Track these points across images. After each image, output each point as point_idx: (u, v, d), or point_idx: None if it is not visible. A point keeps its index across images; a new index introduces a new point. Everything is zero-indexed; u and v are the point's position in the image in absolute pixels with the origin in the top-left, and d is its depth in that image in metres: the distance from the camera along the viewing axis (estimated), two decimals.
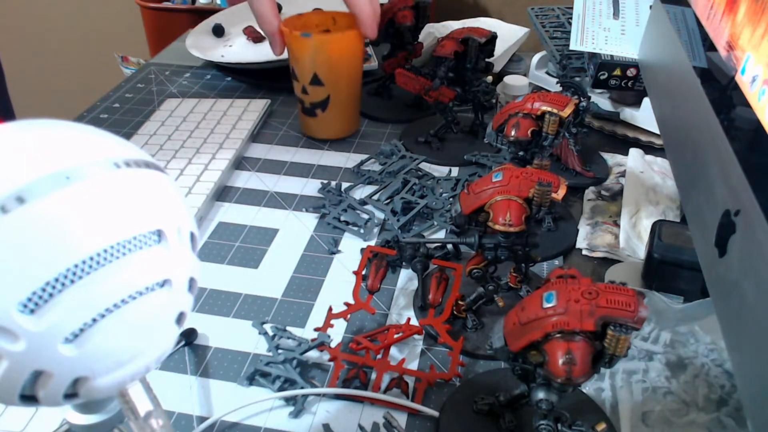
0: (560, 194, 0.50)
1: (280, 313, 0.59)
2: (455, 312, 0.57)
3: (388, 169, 0.78)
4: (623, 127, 0.87)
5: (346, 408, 0.51)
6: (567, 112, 0.58)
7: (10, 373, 0.24)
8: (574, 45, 0.84)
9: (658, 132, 0.82)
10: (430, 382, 0.52)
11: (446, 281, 0.57)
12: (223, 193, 0.76)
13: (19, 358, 0.24)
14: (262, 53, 1.04)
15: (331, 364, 0.54)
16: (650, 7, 0.70)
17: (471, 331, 0.57)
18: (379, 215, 0.72)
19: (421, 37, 0.93)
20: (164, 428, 0.31)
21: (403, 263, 0.61)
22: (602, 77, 0.83)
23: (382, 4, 0.91)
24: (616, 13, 0.88)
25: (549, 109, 0.58)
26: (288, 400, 0.51)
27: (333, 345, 0.55)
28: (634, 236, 0.67)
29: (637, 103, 0.86)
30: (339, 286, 0.63)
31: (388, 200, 0.74)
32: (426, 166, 0.80)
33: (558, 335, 0.38)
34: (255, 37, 1.09)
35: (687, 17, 0.57)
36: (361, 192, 0.76)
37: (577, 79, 0.85)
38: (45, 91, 2.32)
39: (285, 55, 0.84)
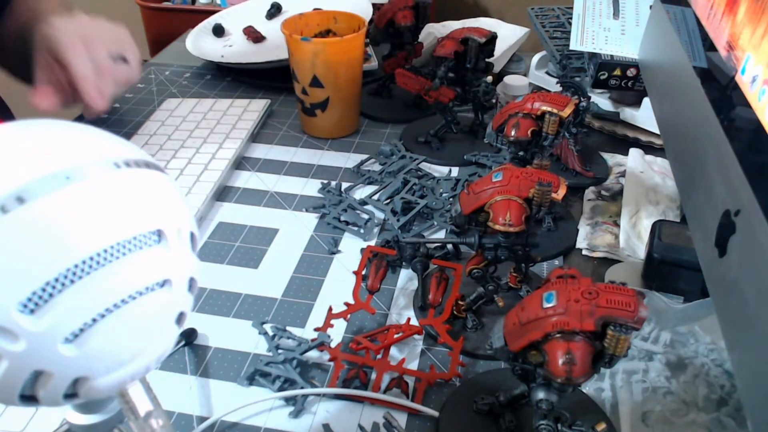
0: (560, 194, 0.50)
1: (280, 313, 0.59)
2: (455, 312, 0.57)
3: (388, 169, 0.78)
4: (623, 127, 0.86)
5: (346, 408, 0.51)
6: (567, 112, 0.58)
7: (10, 373, 0.24)
8: (574, 45, 0.84)
9: (658, 132, 0.82)
10: (430, 382, 0.52)
11: (446, 281, 0.57)
12: (223, 193, 0.76)
13: (19, 358, 0.24)
14: (262, 53, 1.04)
15: (331, 364, 0.54)
16: (650, 7, 0.70)
17: (471, 331, 0.57)
18: (379, 215, 0.72)
19: (421, 37, 0.93)
20: (164, 428, 0.31)
21: (403, 263, 0.61)
22: (602, 77, 0.83)
23: (382, 5, 0.91)
24: (616, 13, 0.88)
25: (549, 109, 0.58)
26: (288, 400, 0.51)
27: (333, 345, 0.55)
28: (634, 236, 0.67)
29: (637, 103, 0.86)
30: (339, 286, 0.63)
31: (388, 200, 0.74)
32: (426, 166, 0.80)
33: (558, 335, 0.38)
34: (255, 37, 1.09)
35: (687, 17, 0.57)
36: (361, 192, 0.76)
37: (577, 79, 0.85)
38: None
39: (285, 54, 0.84)
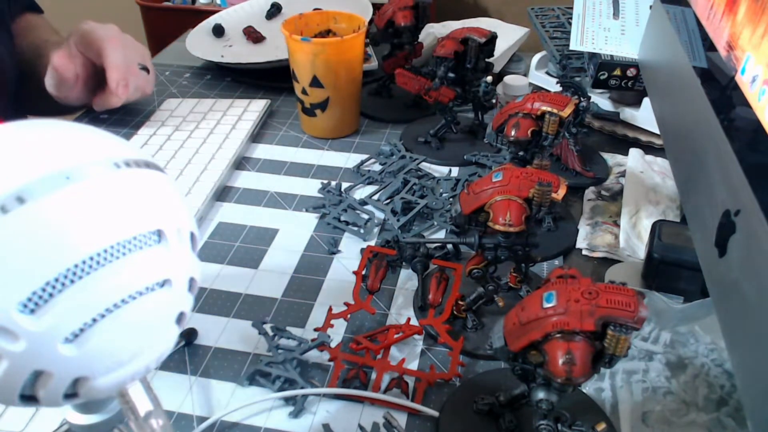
0: (560, 194, 0.50)
1: (280, 313, 0.59)
2: (455, 312, 0.57)
3: (388, 169, 0.78)
4: (623, 127, 0.86)
5: (346, 408, 0.51)
6: (567, 112, 0.58)
7: (10, 373, 0.24)
8: (574, 45, 0.84)
9: (658, 132, 0.82)
10: (430, 382, 0.52)
11: (446, 281, 0.57)
12: (223, 193, 0.76)
13: (19, 358, 0.24)
14: (262, 53, 1.04)
15: (331, 364, 0.54)
16: (650, 7, 0.70)
17: (471, 331, 0.57)
18: (379, 215, 0.72)
19: (421, 37, 0.93)
20: (164, 428, 0.31)
21: (403, 263, 0.61)
22: (602, 77, 0.83)
23: (382, 5, 0.91)
24: (616, 13, 0.88)
25: (549, 109, 0.58)
26: (288, 400, 0.51)
27: (333, 345, 0.55)
28: (634, 236, 0.67)
29: (637, 103, 0.86)
30: (339, 286, 0.62)
31: (388, 200, 0.74)
32: (426, 166, 0.80)
33: (558, 335, 0.38)
34: (255, 38, 1.09)
35: (687, 17, 0.57)
36: (361, 192, 0.76)
37: (577, 79, 0.85)
38: None
39: (285, 54, 0.84)
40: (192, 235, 0.29)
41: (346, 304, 0.57)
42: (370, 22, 0.93)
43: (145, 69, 0.83)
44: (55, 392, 0.26)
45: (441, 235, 0.69)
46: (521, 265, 0.56)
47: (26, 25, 0.93)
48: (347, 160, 0.83)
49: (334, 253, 0.66)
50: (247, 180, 0.79)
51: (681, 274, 0.57)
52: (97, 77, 0.81)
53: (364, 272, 0.58)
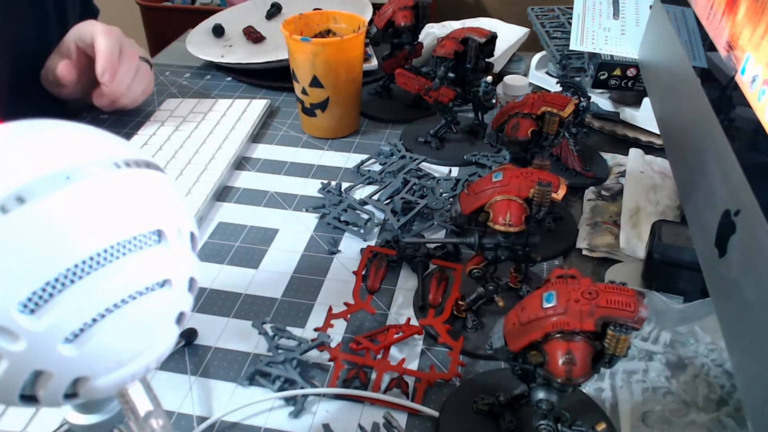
0: (560, 194, 0.50)
1: (280, 313, 0.59)
2: (455, 312, 0.57)
3: (388, 169, 0.78)
4: (623, 127, 0.87)
5: (346, 408, 0.51)
6: (567, 112, 0.58)
7: (10, 373, 0.24)
8: (574, 45, 0.84)
9: (658, 132, 0.82)
10: (430, 382, 0.52)
11: (446, 281, 0.58)
12: (223, 193, 0.76)
13: (19, 358, 0.24)
14: (262, 53, 1.04)
15: (331, 364, 0.54)
16: (650, 7, 0.70)
17: (471, 331, 0.57)
18: (379, 215, 0.72)
19: (421, 37, 0.93)
20: (164, 428, 0.31)
21: (403, 263, 0.61)
22: (602, 77, 0.83)
23: (381, 5, 0.91)
24: (616, 13, 0.88)
25: (549, 109, 0.58)
26: (288, 400, 0.51)
27: (333, 345, 0.55)
28: (634, 236, 0.67)
29: (637, 103, 0.86)
30: (339, 286, 0.62)
31: (388, 200, 0.74)
32: (426, 166, 0.80)
33: (558, 335, 0.38)
34: (255, 38, 1.09)
35: (687, 17, 0.57)
36: (361, 192, 0.76)
37: (577, 79, 0.85)
38: None
39: (285, 55, 0.84)
40: (192, 235, 0.29)
41: (346, 304, 0.57)
42: (370, 22, 0.93)
43: (147, 61, 0.85)
44: (55, 392, 0.26)
45: (441, 235, 0.69)
46: (521, 265, 0.56)
47: None
48: (347, 160, 0.83)
49: (334, 253, 0.66)
50: (247, 180, 0.79)
51: (681, 274, 0.58)
52: (94, 76, 0.82)
53: (364, 272, 0.58)
